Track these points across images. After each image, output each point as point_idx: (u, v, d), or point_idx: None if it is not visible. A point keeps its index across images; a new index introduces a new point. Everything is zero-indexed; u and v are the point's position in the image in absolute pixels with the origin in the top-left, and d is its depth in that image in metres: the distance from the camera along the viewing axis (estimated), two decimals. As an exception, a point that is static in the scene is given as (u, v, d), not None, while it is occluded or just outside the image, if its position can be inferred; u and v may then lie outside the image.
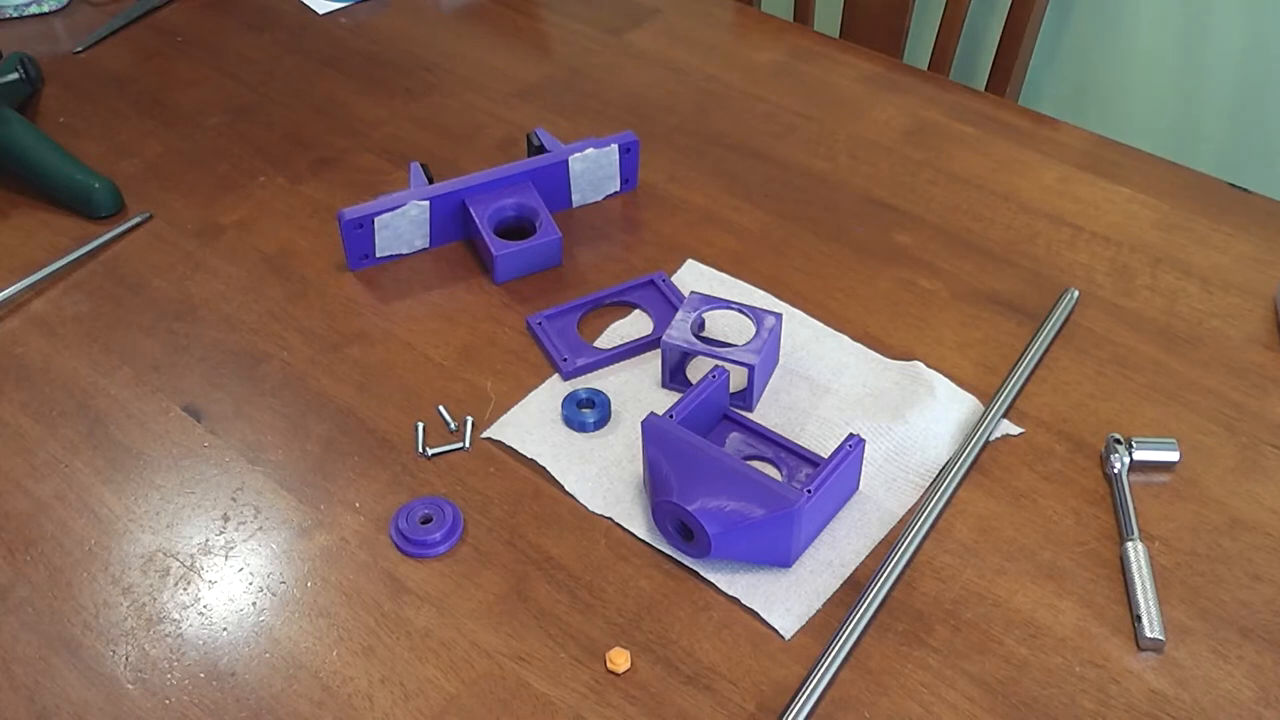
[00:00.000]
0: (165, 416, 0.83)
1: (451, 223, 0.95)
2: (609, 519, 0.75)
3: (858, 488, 0.76)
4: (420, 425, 0.81)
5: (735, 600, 0.70)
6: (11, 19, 1.26)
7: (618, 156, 0.98)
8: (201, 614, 0.71)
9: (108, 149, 1.07)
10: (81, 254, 0.95)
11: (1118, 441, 0.77)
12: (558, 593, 0.71)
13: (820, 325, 0.87)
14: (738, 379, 0.82)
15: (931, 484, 0.76)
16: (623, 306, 0.90)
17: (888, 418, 0.80)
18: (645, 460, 0.74)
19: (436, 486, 0.77)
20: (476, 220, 0.92)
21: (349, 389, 0.84)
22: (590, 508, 0.75)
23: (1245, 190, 0.98)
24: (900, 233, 0.95)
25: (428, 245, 0.95)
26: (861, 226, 0.96)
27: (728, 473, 0.70)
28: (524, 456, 0.79)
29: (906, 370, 0.83)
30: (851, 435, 0.73)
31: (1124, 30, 1.55)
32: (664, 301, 0.89)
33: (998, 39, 1.48)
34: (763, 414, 0.81)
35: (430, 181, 0.95)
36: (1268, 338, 0.86)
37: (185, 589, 0.72)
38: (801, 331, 0.87)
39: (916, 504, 0.75)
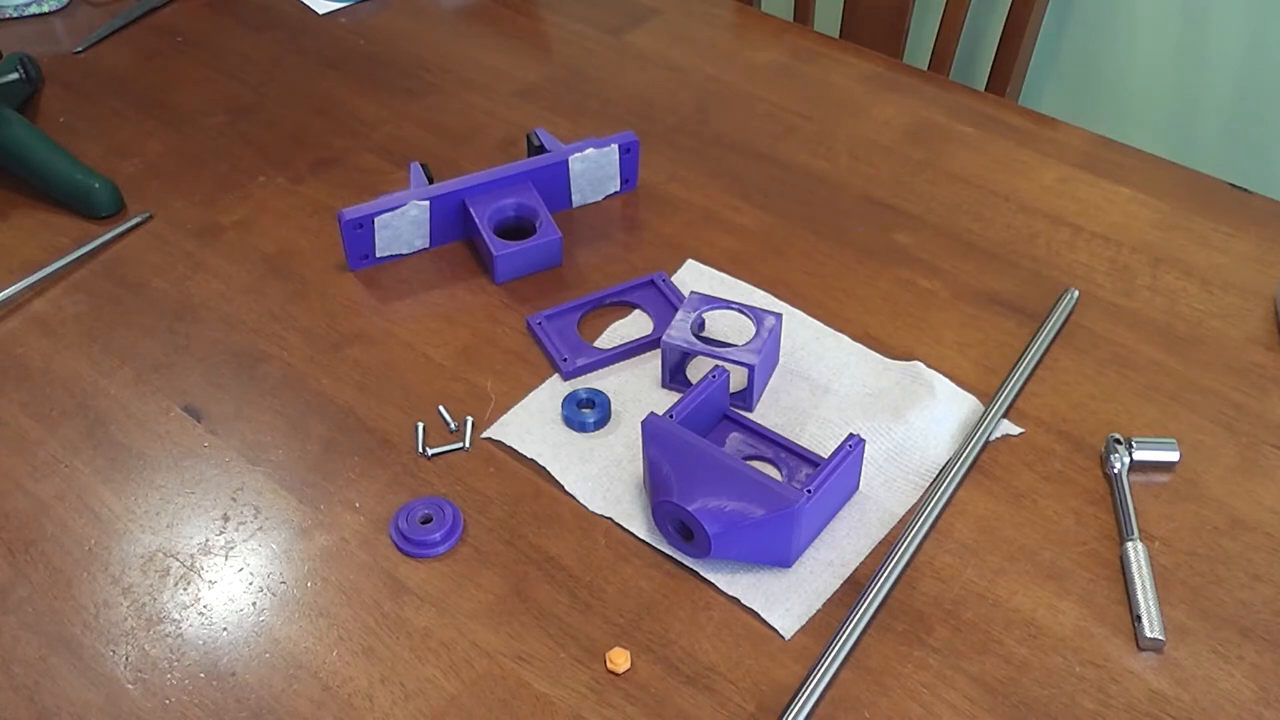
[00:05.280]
0: (165, 416, 0.83)
1: (451, 223, 0.95)
2: (609, 519, 0.75)
3: (858, 488, 0.76)
4: (420, 425, 0.81)
5: (735, 600, 0.70)
6: (11, 19, 1.26)
7: (618, 156, 0.98)
8: (201, 614, 0.71)
9: (108, 149, 1.07)
10: (81, 254, 0.95)
11: (1118, 441, 0.77)
12: (558, 593, 0.71)
13: (820, 325, 0.87)
14: (738, 379, 0.82)
15: (931, 484, 0.76)
16: (623, 306, 0.90)
17: (888, 418, 0.80)
18: (645, 460, 0.74)
19: (436, 486, 0.77)
20: (476, 220, 0.92)
21: (349, 389, 0.84)
22: (590, 508, 0.76)
23: (1245, 190, 0.98)
24: (900, 233, 0.95)
25: (428, 245, 0.95)
26: (862, 226, 0.96)
27: (728, 473, 0.70)
28: (524, 456, 0.79)
29: (906, 370, 0.83)
30: (851, 435, 0.73)
31: (1124, 30, 1.55)
32: (664, 301, 0.89)
33: (998, 39, 1.48)
34: (763, 414, 0.81)
35: (430, 181, 0.95)
36: (1268, 338, 0.86)
37: (185, 589, 0.72)
38: (801, 331, 0.87)
39: (916, 504, 0.75)
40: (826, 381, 0.83)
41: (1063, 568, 0.71)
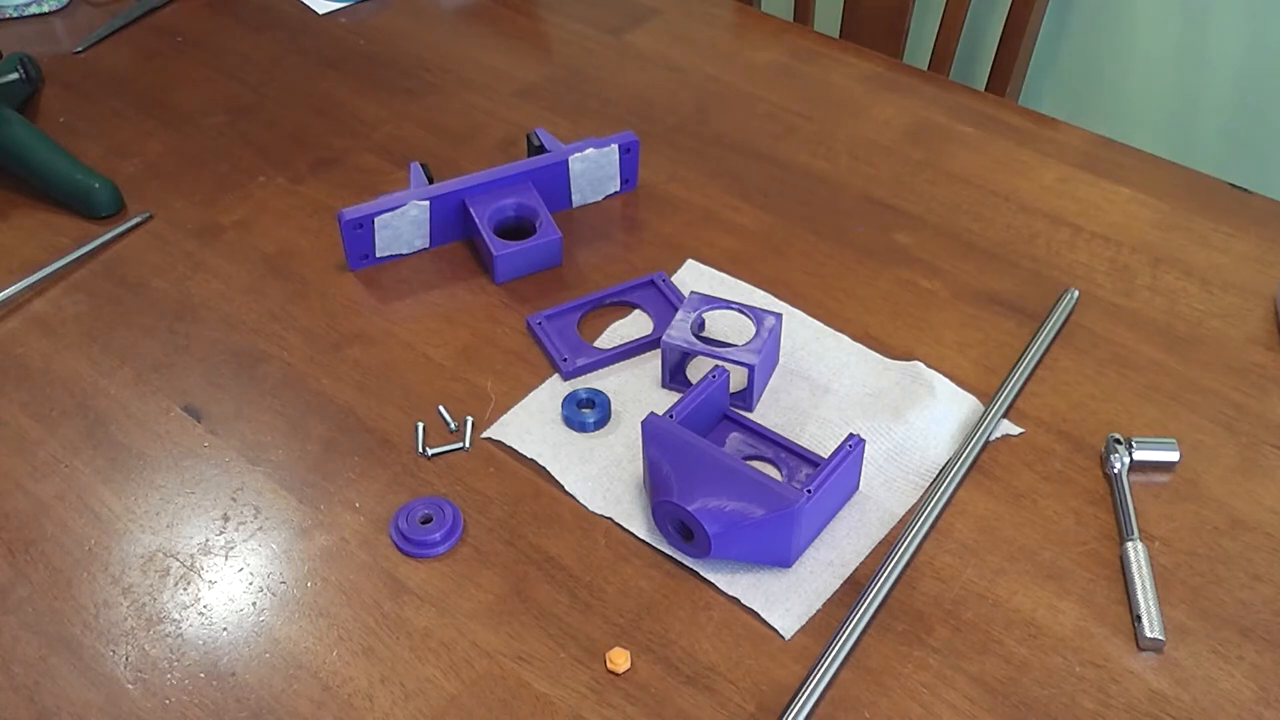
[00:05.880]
0: (165, 416, 0.83)
1: (451, 223, 0.95)
2: (609, 519, 0.75)
3: (858, 488, 0.76)
4: (420, 425, 0.81)
5: (735, 600, 0.70)
6: (11, 19, 1.26)
7: (618, 156, 0.98)
8: (201, 614, 0.71)
9: (108, 149, 1.07)
10: (81, 254, 0.95)
11: (1118, 441, 0.77)
12: (558, 593, 0.71)
13: (820, 325, 0.87)
14: (738, 379, 0.82)
15: (931, 484, 0.76)
16: (623, 306, 0.90)
17: (888, 418, 0.80)
18: (645, 460, 0.74)
19: (436, 486, 0.77)
20: (476, 220, 0.92)
21: (349, 389, 0.84)
22: (590, 508, 0.76)
23: (1245, 190, 0.98)
24: (900, 233, 0.95)
25: (428, 245, 0.95)
26: (862, 226, 0.96)
27: (728, 473, 0.70)
28: (524, 456, 0.79)
29: (906, 370, 0.83)
30: (851, 435, 0.73)
31: (1124, 30, 1.55)
32: (664, 301, 0.89)
33: (998, 39, 1.48)
34: (763, 414, 0.81)
35: (430, 181, 0.95)
36: (1268, 338, 0.86)
37: (185, 589, 0.72)
38: (801, 331, 0.87)
39: (916, 504, 0.75)
40: (826, 381, 0.83)
41: (1063, 568, 0.71)
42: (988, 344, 0.86)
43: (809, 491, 0.69)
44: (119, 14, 1.26)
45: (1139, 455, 0.76)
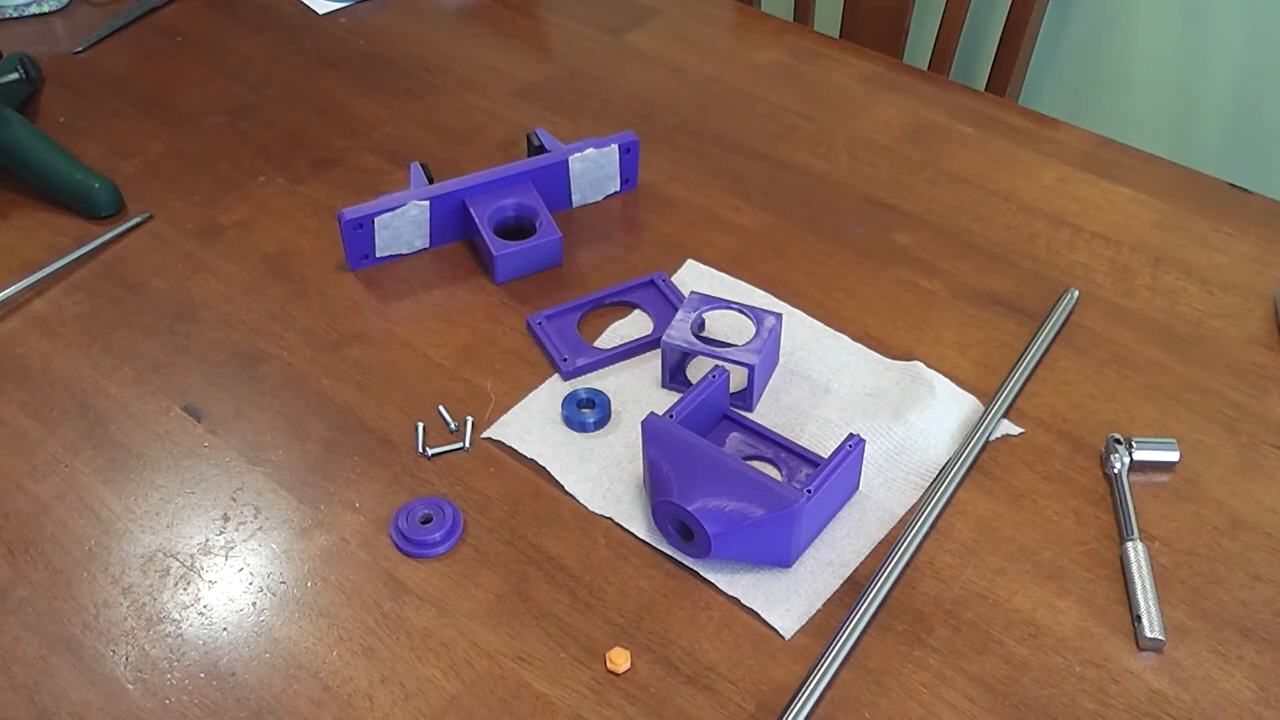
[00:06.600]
0: (165, 416, 0.83)
1: (451, 223, 0.95)
2: (609, 519, 0.75)
3: (858, 488, 0.76)
4: (420, 425, 0.81)
5: (735, 600, 0.70)
6: (11, 19, 1.26)
7: (618, 156, 0.98)
8: (201, 614, 0.71)
9: (108, 149, 1.07)
10: (81, 254, 0.95)
11: (1118, 441, 0.77)
12: (558, 593, 0.71)
13: (820, 325, 0.87)
14: (738, 379, 0.82)
15: (931, 484, 0.76)
16: (623, 306, 0.90)
17: (888, 418, 0.80)
18: (645, 460, 0.74)
19: (436, 486, 0.77)
20: (476, 220, 0.92)
21: (349, 389, 0.84)
22: (590, 508, 0.76)
23: (1245, 190, 0.98)
24: (900, 233, 0.96)
25: (428, 245, 0.95)
26: (862, 226, 0.96)
27: (728, 473, 0.70)
28: (524, 456, 0.79)
29: (906, 370, 0.83)
30: (851, 435, 0.73)
31: (1124, 30, 1.55)
32: (664, 301, 0.89)
33: (998, 39, 1.48)
34: (763, 414, 0.81)
35: (430, 181, 0.95)
36: (1268, 338, 0.86)
37: (185, 589, 0.72)
38: (801, 331, 0.87)
39: (916, 504, 0.75)
40: (826, 381, 0.83)
41: (1063, 568, 0.71)
42: (988, 344, 0.86)
43: (809, 491, 0.69)
44: (119, 14, 1.26)
45: (1139, 455, 0.76)
